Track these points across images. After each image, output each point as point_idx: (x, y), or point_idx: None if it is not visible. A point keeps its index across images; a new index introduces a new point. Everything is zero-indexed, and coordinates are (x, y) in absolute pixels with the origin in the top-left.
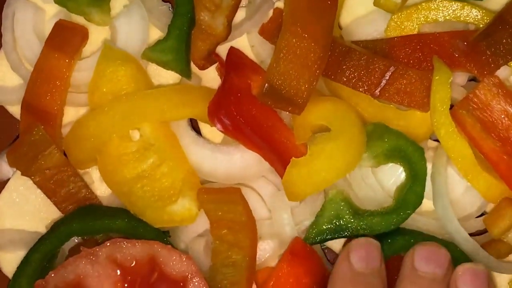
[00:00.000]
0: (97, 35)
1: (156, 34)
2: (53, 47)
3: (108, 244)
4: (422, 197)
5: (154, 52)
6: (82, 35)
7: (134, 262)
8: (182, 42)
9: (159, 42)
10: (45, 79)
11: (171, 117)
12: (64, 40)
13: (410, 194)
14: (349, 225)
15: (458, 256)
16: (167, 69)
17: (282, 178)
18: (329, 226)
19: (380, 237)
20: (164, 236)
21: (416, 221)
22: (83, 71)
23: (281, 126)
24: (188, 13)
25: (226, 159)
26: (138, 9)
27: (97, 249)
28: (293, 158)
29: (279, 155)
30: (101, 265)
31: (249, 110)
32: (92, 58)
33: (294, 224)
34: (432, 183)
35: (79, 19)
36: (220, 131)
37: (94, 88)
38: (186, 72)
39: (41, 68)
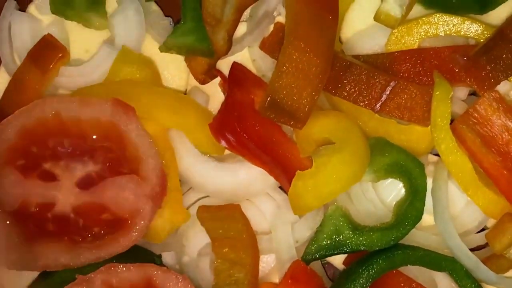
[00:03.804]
0: (95, 39)
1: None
2: (31, 60)
3: (103, 269)
4: (422, 213)
5: (176, 38)
6: (61, 54)
7: (130, 287)
8: (200, 21)
9: (177, 27)
10: (19, 90)
11: (157, 118)
12: (42, 55)
13: (410, 209)
14: (348, 241)
15: (458, 271)
16: (191, 54)
17: (288, 192)
18: (329, 242)
19: (379, 252)
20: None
21: (416, 236)
22: (84, 76)
23: (285, 140)
24: None
25: (231, 177)
26: (132, 3)
27: (92, 275)
28: (298, 171)
29: (284, 169)
30: None
31: (252, 126)
32: (91, 62)
33: (294, 240)
34: (432, 198)
35: (73, 26)
36: (225, 147)
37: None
38: (210, 51)
39: (18, 78)
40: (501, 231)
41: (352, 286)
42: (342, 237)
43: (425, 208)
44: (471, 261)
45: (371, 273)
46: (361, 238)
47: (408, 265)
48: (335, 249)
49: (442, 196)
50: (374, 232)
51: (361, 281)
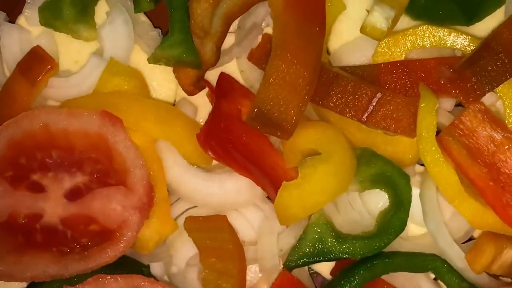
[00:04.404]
0: (84, 50)
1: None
2: (21, 71)
3: (90, 280)
4: (405, 223)
5: (163, 50)
6: (50, 65)
7: None
8: (187, 33)
9: (165, 39)
10: (8, 101)
11: (144, 129)
12: (31, 67)
13: (394, 220)
14: (331, 249)
15: (440, 268)
16: (178, 66)
17: (274, 202)
18: (311, 250)
19: (361, 261)
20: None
21: (403, 246)
22: (73, 87)
23: (271, 151)
24: (183, 5)
25: (218, 188)
26: (121, 14)
27: (80, 287)
28: (284, 181)
29: (270, 179)
30: None
31: (239, 137)
32: (80, 73)
33: (279, 249)
34: (421, 202)
35: (63, 38)
36: (212, 157)
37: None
38: (197, 63)
39: (7, 89)
40: (479, 252)
41: None
42: (325, 245)
43: (411, 218)
44: (463, 262)
45: (353, 284)
46: (344, 246)
47: (394, 273)
48: (317, 257)
49: (432, 197)
50: (357, 241)
51: None
